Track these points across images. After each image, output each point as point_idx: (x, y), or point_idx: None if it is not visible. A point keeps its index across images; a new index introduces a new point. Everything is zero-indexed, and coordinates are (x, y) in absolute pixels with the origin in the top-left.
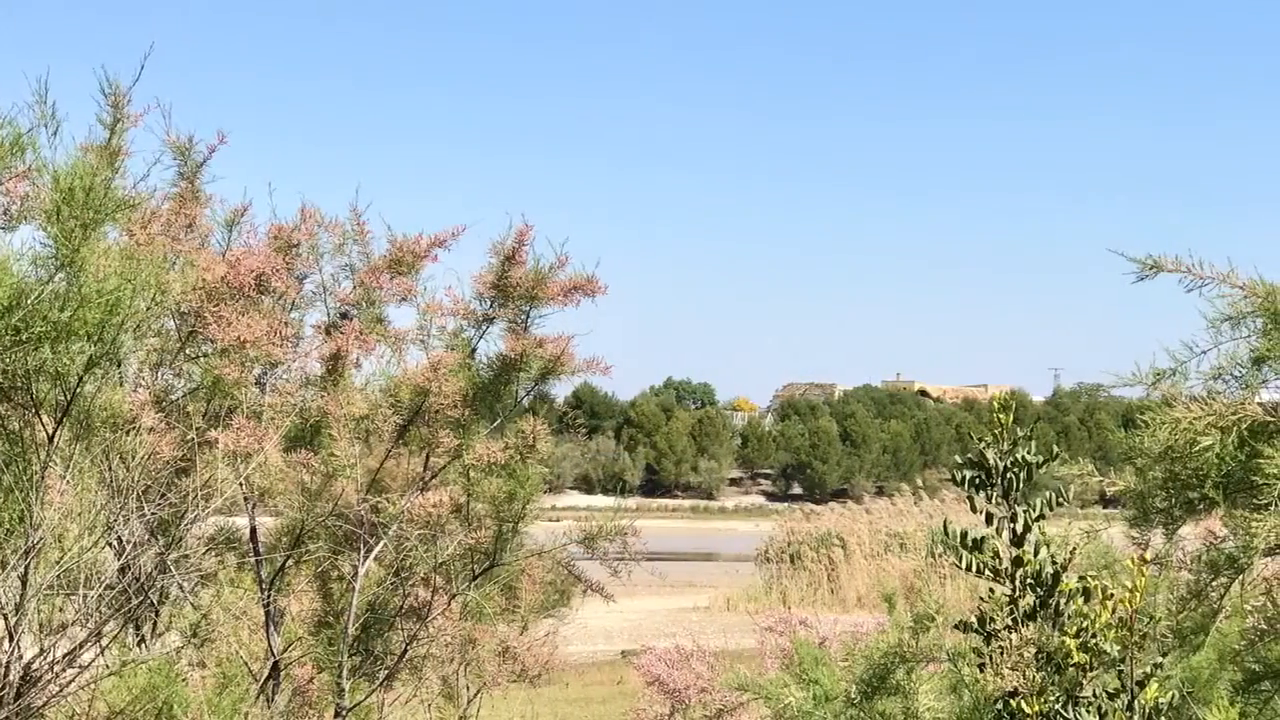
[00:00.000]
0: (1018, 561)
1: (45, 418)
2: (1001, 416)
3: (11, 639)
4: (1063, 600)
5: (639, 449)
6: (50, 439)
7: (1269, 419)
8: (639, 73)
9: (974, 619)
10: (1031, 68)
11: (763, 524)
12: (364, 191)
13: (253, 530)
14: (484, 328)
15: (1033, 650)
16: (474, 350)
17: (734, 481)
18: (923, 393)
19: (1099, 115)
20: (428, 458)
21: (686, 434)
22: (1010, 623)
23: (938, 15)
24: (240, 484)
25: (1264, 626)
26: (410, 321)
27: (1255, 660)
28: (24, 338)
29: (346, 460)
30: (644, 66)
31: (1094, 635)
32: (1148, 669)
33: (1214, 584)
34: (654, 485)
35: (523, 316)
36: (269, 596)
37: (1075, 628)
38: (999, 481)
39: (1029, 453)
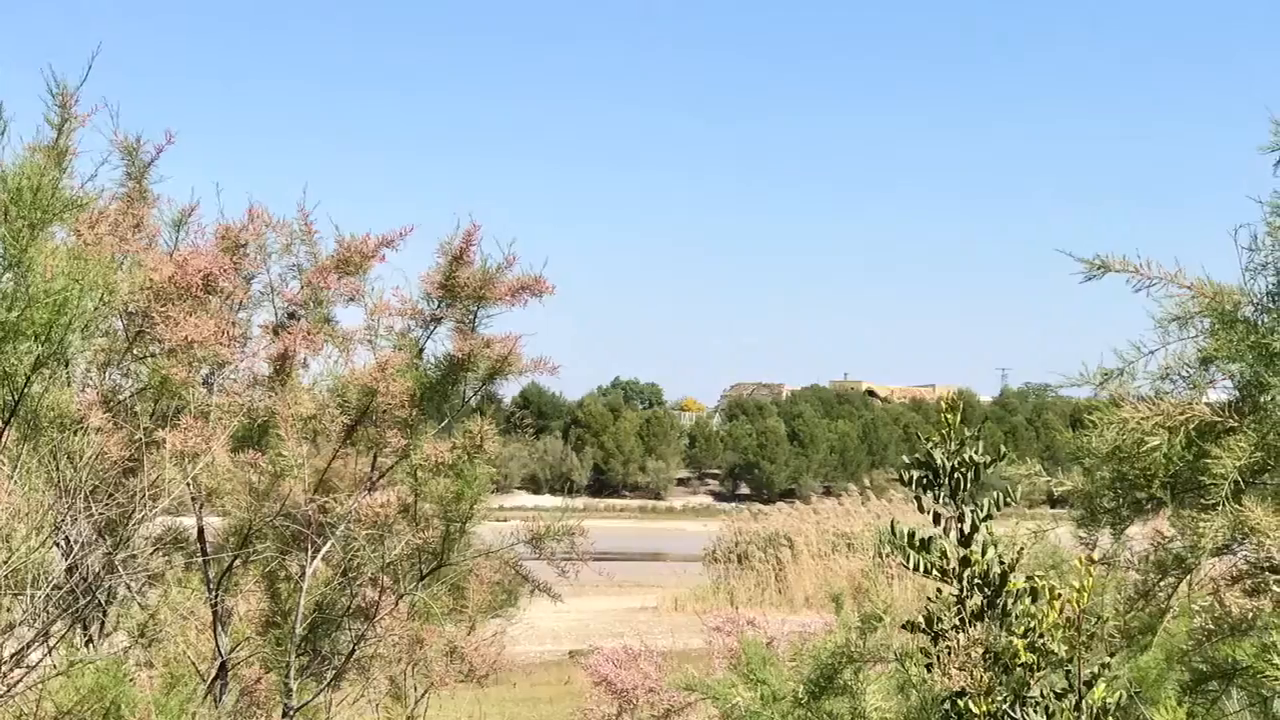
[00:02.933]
0: (965, 561)
1: None
2: (949, 416)
3: None
4: (1010, 600)
5: (587, 449)
6: None
7: (1216, 419)
8: (587, 73)
9: (921, 619)
10: (983, 66)
11: (710, 524)
12: (312, 192)
13: (200, 530)
14: (432, 328)
15: (980, 650)
16: (422, 350)
17: (682, 481)
18: (870, 393)
19: (1050, 115)
20: (375, 458)
21: (634, 434)
22: (958, 623)
23: (884, 14)
24: (188, 484)
25: (1211, 626)
26: (358, 322)
27: (1202, 660)
28: None
29: (294, 460)
30: (593, 67)
31: (1041, 635)
32: (1095, 669)
33: (1161, 584)
34: (601, 485)
35: (470, 317)
36: (216, 596)
37: (1023, 628)
38: (946, 481)
39: (976, 453)
